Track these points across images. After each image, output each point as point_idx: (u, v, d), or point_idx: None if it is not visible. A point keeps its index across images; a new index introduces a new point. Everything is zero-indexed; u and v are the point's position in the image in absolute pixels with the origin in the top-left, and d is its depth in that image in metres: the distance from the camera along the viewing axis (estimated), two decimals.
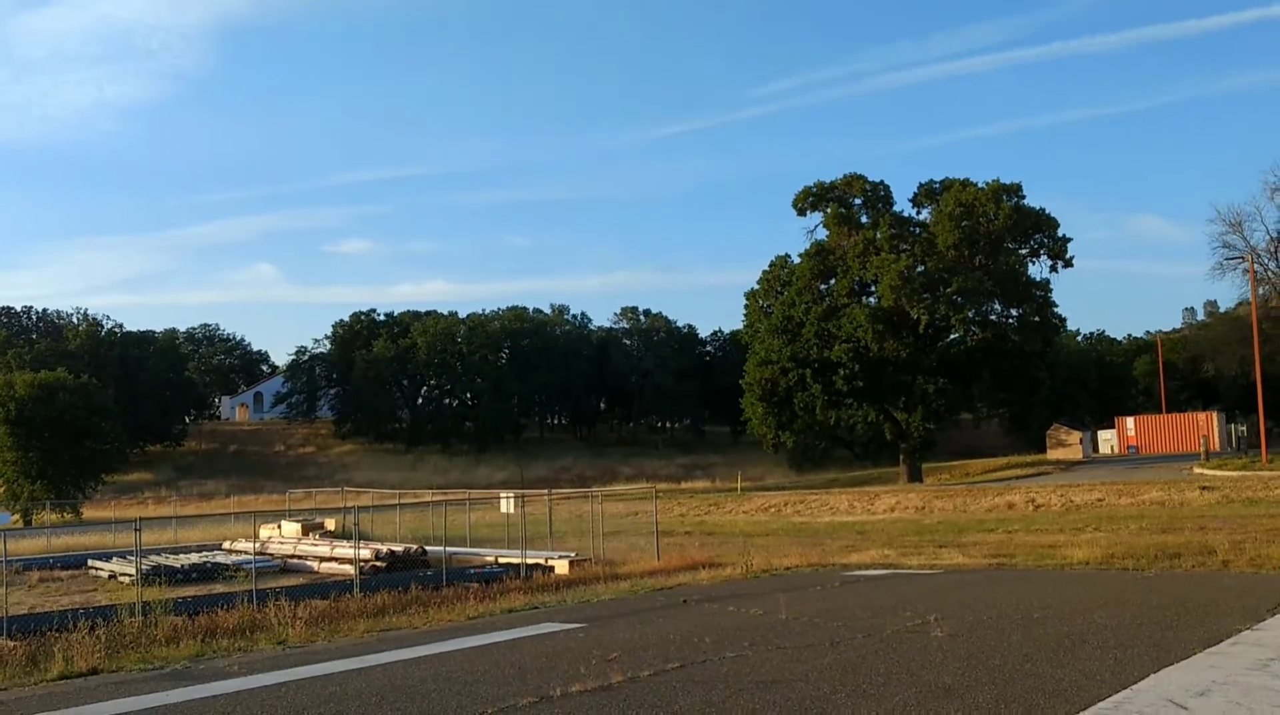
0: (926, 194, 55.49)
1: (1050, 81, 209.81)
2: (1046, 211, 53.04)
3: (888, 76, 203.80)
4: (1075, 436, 63.68)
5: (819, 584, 18.51)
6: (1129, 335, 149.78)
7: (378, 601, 20.41)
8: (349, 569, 29.22)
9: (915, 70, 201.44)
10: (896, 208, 56.71)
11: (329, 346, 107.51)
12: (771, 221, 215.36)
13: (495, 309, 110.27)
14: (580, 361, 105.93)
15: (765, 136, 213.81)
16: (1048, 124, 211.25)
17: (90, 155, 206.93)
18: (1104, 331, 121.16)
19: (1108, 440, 73.39)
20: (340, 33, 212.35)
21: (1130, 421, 73.44)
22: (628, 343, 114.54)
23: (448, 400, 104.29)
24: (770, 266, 59.18)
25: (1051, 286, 53.52)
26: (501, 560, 28.41)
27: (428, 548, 30.45)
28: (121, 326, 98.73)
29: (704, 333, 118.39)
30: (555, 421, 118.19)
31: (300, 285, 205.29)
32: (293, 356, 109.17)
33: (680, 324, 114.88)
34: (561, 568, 26.19)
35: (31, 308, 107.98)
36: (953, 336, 54.85)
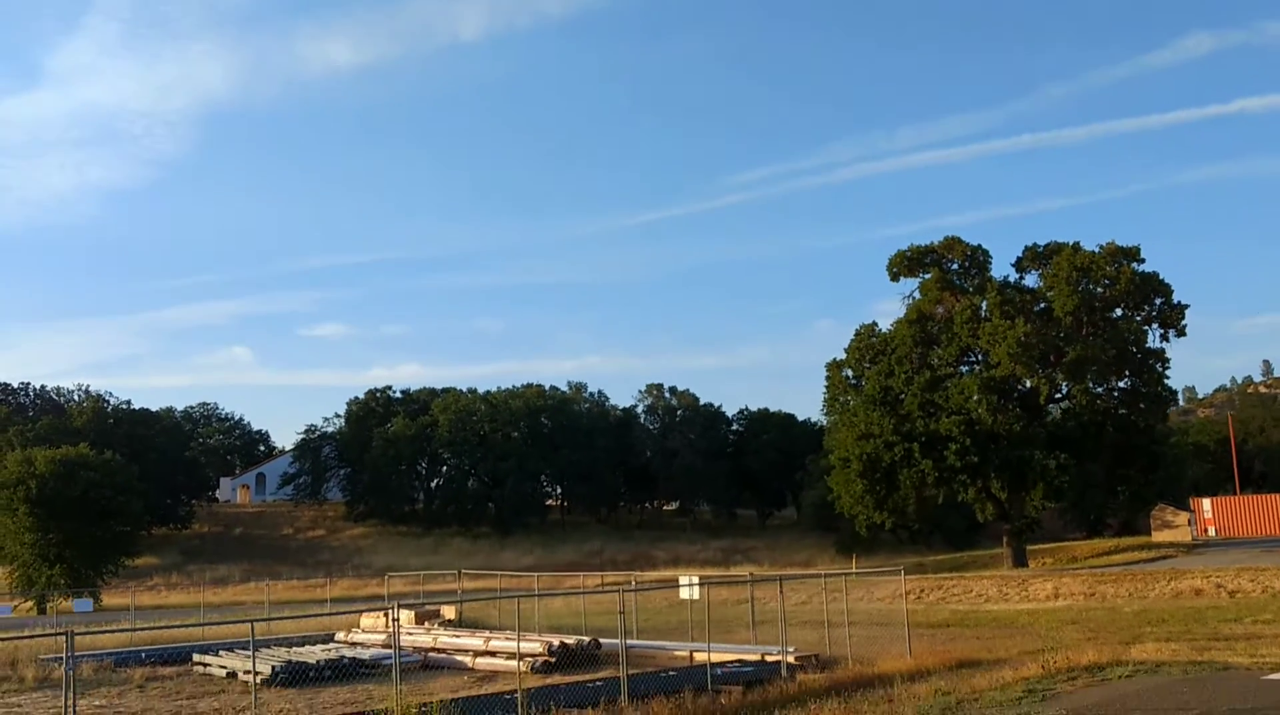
0: (1032, 258, 52.47)
1: (1022, 172, 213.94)
2: (1160, 276, 50.22)
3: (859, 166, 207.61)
4: (1183, 517, 60.15)
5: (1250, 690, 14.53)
6: None
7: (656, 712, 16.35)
8: (512, 665, 24.95)
9: (886, 160, 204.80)
10: (993, 272, 53.75)
11: (342, 425, 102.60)
12: (746, 303, 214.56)
13: (515, 386, 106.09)
14: (604, 439, 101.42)
15: (741, 223, 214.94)
16: (1021, 213, 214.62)
17: (67, 238, 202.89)
18: None
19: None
20: (317, 119, 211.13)
21: (1207, 503, 70.21)
22: (649, 421, 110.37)
23: (469, 481, 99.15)
24: (857, 335, 55.80)
25: (1168, 356, 50.47)
26: (698, 656, 24.16)
27: (601, 640, 26.11)
28: (129, 403, 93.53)
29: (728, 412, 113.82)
30: (573, 503, 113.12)
31: (275, 368, 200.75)
32: (302, 435, 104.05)
33: (704, 402, 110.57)
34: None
35: (29, 384, 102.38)
36: (1062, 408, 51.40)
